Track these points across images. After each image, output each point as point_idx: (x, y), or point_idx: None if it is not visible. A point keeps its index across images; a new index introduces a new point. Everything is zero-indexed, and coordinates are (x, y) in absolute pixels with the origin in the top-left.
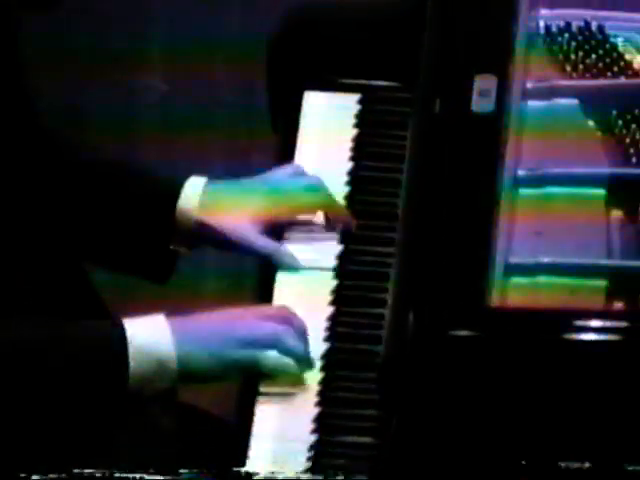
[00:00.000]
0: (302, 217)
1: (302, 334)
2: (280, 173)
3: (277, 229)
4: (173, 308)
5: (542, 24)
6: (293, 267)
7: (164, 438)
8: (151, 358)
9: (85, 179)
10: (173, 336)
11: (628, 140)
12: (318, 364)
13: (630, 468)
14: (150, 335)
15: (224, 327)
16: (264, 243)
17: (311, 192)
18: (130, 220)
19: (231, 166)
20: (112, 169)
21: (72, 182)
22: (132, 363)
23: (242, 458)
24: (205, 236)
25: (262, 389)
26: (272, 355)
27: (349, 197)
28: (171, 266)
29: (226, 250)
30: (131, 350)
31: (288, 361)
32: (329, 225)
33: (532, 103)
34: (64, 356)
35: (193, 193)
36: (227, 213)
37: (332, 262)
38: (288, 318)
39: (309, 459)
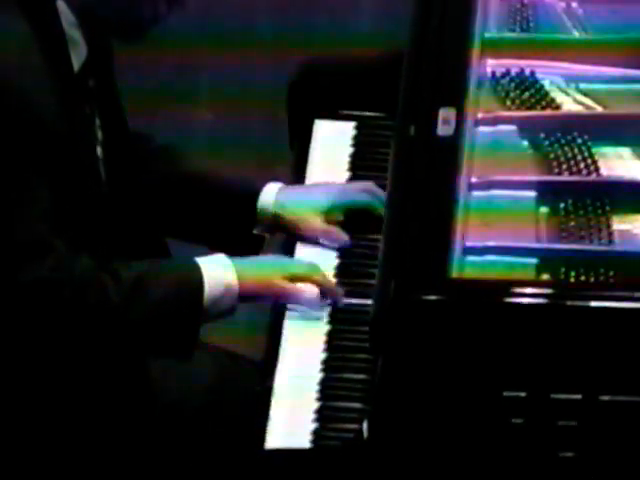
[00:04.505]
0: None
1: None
2: (341, 184)
3: None
4: None
5: (489, 70)
6: (343, 244)
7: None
8: (220, 284)
9: (192, 185)
10: (235, 267)
11: (552, 156)
12: (326, 319)
13: (555, 396)
14: (218, 266)
15: (270, 262)
16: (320, 225)
17: (366, 203)
18: (227, 212)
19: (260, 175)
20: (215, 177)
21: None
22: (207, 287)
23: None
24: (278, 224)
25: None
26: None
27: None
28: (258, 247)
29: (293, 234)
30: (205, 278)
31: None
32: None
33: (482, 129)
34: (164, 281)
35: (271, 193)
36: (293, 209)
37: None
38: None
39: (318, 393)
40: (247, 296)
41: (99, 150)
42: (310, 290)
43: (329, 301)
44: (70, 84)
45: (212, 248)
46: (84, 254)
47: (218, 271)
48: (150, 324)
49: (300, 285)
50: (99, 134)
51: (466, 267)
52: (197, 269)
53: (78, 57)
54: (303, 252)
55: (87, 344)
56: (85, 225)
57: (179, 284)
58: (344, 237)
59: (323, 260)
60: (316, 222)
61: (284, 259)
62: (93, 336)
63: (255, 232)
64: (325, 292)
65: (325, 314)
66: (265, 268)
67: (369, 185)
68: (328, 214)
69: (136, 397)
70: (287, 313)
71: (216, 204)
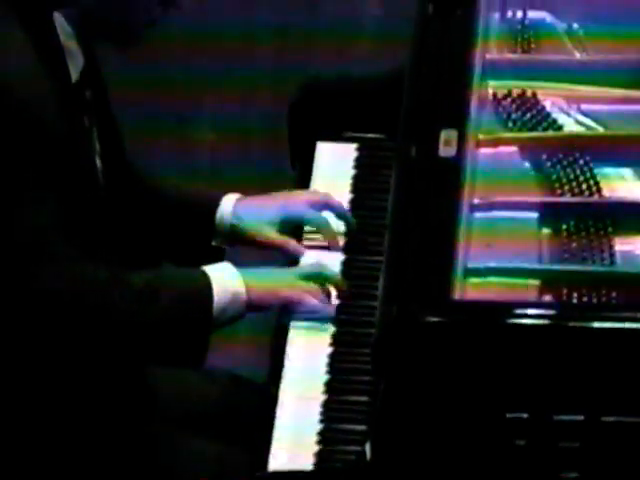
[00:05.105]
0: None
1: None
2: (294, 194)
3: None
4: None
5: (490, 91)
6: (299, 256)
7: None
8: (227, 292)
9: (155, 198)
10: (242, 276)
11: (554, 177)
12: (328, 341)
13: (558, 418)
14: (225, 275)
15: (277, 271)
16: (276, 236)
17: (310, 217)
18: (186, 225)
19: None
20: (171, 190)
21: (148, 202)
22: (215, 297)
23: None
24: (236, 235)
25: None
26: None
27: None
28: (218, 259)
29: (252, 245)
30: (214, 286)
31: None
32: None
33: (483, 150)
34: (174, 288)
35: (228, 205)
36: (250, 216)
37: (338, 266)
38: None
39: (321, 415)
40: (254, 305)
41: (97, 161)
42: (314, 296)
43: (332, 306)
44: (68, 94)
45: (170, 260)
46: (92, 261)
47: (225, 279)
48: (160, 331)
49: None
50: (97, 145)
51: (468, 288)
52: (205, 276)
53: (75, 67)
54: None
55: (97, 350)
56: (91, 232)
57: (188, 291)
58: (300, 249)
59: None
60: (271, 234)
61: (290, 270)
62: (103, 343)
63: (214, 243)
64: (334, 292)
65: (329, 329)
66: (271, 278)
67: (326, 197)
68: (281, 227)
69: (136, 409)
70: (290, 335)
71: (175, 216)
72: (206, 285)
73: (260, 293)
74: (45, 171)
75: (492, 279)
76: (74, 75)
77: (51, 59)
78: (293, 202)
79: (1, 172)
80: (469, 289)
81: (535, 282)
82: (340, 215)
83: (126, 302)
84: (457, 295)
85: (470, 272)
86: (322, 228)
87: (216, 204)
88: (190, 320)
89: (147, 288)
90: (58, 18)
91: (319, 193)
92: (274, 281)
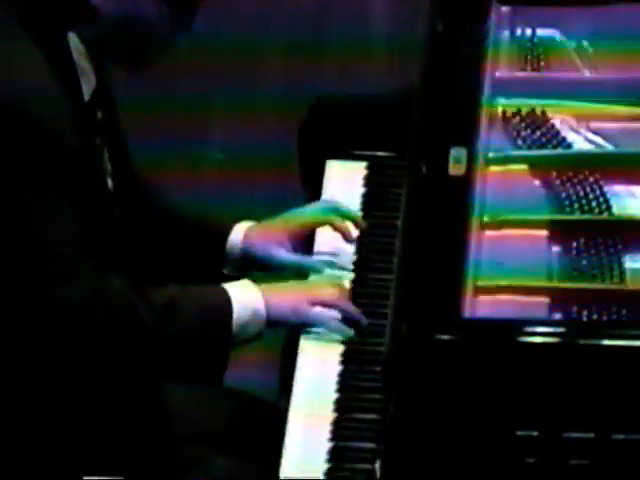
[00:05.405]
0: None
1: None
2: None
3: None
4: None
5: (500, 109)
6: (317, 270)
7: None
8: (247, 309)
9: (166, 220)
10: (262, 293)
11: (564, 195)
12: (338, 359)
13: (566, 435)
14: (245, 291)
15: (300, 289)
16: (290, 256)
17: (316, 212)
18: (197, 250)
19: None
20: (183, 213)
21: (159, 225)
22: (235, 313)
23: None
24: (248, 261)
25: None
26: (331, 315)
27: (359, 238)
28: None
29: (265, 270)
30: (234, 302)
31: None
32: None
33: (493, 168)
34: (194, 305)
35: (239, 232)
36: (259, 241)
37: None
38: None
39: (331, 433)
40: (274, 321)
41: (109, 180)
42: (334, 315)
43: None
44: (82, 114)
45: (181, 283)
46: (114, 277)
47: (245, 295)
48: (180, 347)
49: (324, 310)
50: (108, 165)
51: (479, 307)
52: (225, 294)
53: (88, 87)
54: None
55: (120, 366)
56: (111, 249)
57: (208, 308)
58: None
59: None
60: (283, 236)
61: (310, 283)
62: (127, 358)
63: (226, 272)
64: (348, 315)
65: (339, 346)
66: (292, 293)
67: (330, 201)
68: (293, 230)
69: (147, 424)
70: (300, 352)
71: (185, 239)
72: (226, 301)
73: (280, 309)
74: (69, 193)
75: (502, 297)
76: (86, 94)
77: (65, 77)
78: (300, 212)
79: (16, 185)
80: (479, 307)
81: (545, 300)
82: (348, 216)
83: (148, 317)
84: (467, 313)
85: (480, 290)
86: (333, 220)
87: (227, 232)
88: (210, 336)
89: (167, 304)
90: (72, 37)
91: (325, 200)
92: (294, 298)
